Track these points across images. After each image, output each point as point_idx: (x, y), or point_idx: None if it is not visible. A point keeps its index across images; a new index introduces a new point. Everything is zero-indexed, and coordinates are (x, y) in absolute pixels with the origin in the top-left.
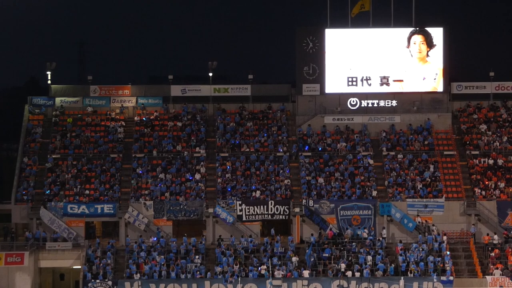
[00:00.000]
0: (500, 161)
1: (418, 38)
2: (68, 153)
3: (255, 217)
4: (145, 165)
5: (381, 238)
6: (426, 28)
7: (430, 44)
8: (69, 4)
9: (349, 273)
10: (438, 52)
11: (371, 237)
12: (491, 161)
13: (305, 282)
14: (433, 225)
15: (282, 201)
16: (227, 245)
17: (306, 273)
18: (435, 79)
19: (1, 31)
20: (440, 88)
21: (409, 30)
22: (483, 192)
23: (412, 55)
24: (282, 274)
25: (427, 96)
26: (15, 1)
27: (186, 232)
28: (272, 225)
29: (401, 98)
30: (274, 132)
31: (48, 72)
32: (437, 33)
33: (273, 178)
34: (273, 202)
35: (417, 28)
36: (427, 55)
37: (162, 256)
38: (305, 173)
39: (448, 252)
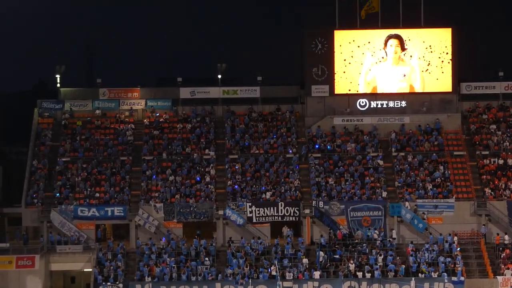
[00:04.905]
0: (510, 161)
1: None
2: (78, 156)
3: (265, 218)
4: (154, 167)
5: (391, 239)
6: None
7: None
8: (77, 7)
9: (359, 274)
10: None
11: (381, 238)
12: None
13: (316, 284)
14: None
15: (292, 202)
16: (237, 247)
17: (317, 274)
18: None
19: (10, 35)
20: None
21: (419, 30)
22: (493, 192)
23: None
24: (292, 276)
25: (437, 97)
26: (23, 5)
27: (196, 234)
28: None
29: (410, 99)
30: (284, 133)
31: (57, 76)
32: (446, 34)
33: (282, 180)
34: (283, 203)
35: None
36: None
37: (173, 258)
38: (314, 175)
39: (458, 251)
